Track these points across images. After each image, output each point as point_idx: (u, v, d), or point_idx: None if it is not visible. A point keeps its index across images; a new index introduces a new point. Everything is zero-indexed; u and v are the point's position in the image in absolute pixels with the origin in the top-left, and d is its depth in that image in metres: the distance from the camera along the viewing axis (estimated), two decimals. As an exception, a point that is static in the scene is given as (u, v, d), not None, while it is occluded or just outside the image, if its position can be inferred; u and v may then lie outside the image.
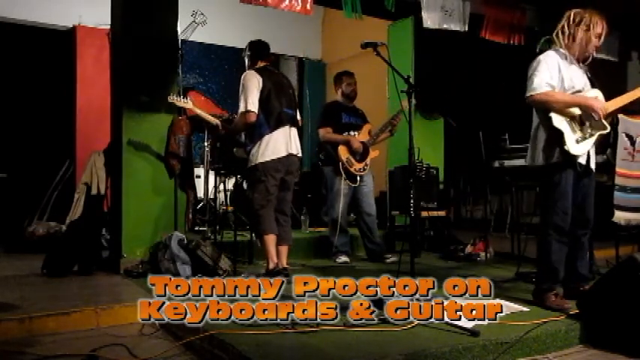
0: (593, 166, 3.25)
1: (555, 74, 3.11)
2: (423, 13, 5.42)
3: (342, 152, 4.79)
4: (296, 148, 3.92)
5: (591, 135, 3.13)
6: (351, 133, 4.91)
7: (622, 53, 7.11)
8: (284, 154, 3.82)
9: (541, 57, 3.15)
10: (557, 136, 3.06)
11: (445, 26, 5.55)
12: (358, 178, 4.85)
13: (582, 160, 3.15)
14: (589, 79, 3.25)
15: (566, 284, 3.32)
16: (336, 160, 4.80)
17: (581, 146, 3.09)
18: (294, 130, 3.94)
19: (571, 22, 3.16)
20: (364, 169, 4.89)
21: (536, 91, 3.07)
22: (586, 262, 3.38)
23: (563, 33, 3.19)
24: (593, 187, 3.29)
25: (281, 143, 3.81)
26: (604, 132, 3.15)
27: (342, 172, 4.78)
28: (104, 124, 4.93)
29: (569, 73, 3.15)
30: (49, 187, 6.11)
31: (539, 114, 3.21)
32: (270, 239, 3.79)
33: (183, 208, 4.67)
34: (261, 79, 3.81)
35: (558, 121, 3.06)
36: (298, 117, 4.07)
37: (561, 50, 3.19)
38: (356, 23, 5.31)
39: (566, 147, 3.04)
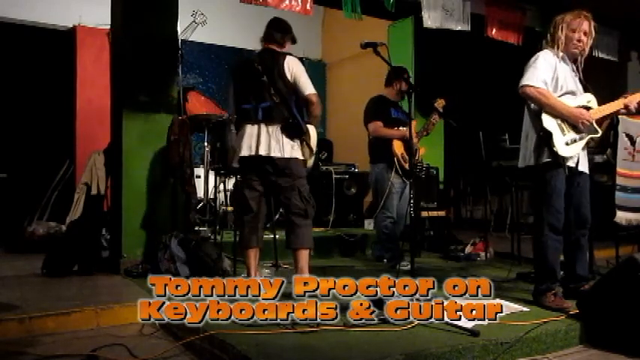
0: (583, 168, 3.26)
1: (551, 73, 3.16)
2: (423, 12, 5.41)
3: (397, 147, 4.53)
4: (265, 149, 3.43)
5: (582, 138, 3.16)
6: (400, 128, 4.67)
7: (622, 53, 7.11)
8: (246, 154, 3.49)
9: (540, 53, 3.22)
10: (546, 137, 3.10)
11: (446, 26, 5.54)
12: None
13: (571, 164, 3.17)
14: (582, 83, 3.30)
15: (566, 285, 3.33)
16: (388, 157, 4.54)
17: (570, 148, 3.12)
18: (263, 127, 3.46)
19: (556, 26, 3.25)
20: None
21: (531, 83, 3.10)
22: (585, 263, 3.39)
23: (551, 36, 3.29)
24: (587, 187, 3.30)
25: (244, 143, 3.49)
26: (595, 136, 3.19)
27: (398, 169, 4.51)
28: (104, 124, 4.92)
29: (563, 73, 3.21)
30: (49, 187, 6.11)
31: (529, 112, 3.24)
32: (245, 254, 3.61)
33: (182, 208, 4.66)
34: (231, 78, 3.75)
35: (549, 122, 3.10)
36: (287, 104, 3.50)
37: (556, 50, 3.24)
38: (356, 23, 5.30)
39: (555, 149, 3.07)
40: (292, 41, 3.72)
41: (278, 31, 3.65)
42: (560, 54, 3.23)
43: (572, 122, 3.11)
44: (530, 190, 3.40)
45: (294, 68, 3.50)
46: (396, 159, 4.53)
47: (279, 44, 3.62)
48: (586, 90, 3.29)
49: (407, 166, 4.52)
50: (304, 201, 3.51)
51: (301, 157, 3.54)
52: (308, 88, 3.48)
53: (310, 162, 3.62)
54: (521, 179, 4.88)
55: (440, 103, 4.59)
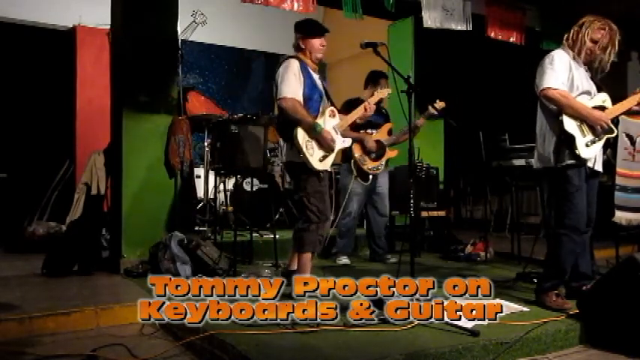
0: (598, 168, 3.25)
1: (567, 73, 3.14)
2: (423, 12, 5.41)
3: (356, 150, 4.66)
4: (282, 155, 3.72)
5: (600, 138, 3.15)
6: (369, 130, 4.79)
7: (622, 53, 7.09)
8: None
9: (554, 54, 3.18)
10: (568, 140, 3.08)
11: (446, 26, 5.54)
12: (371, 176, 4.73)
13: (589, 164, 3.16)
14: (595, 83, 3.27)
15: (568, 284, 3.32)
16: (349, 158, 4.70)
17: (591, 150, 3.11)
18: None
19: (582, 26, 3.21)
20: (378, 169, 4.75)
21: (552, 85, 3.07)
22: (588, 261, 3.39)
23: (568, 35, 3.25)
24: (596, 187, 3.30)
25: None
26: (611, 136, 3.18)
27: (354, 170, 4.67)
28: (104, 124, 4.92)
29: (578, 73, 3.18)
30: (49, 187, 6.11)
31: (545, 114, 3.21)
32: None
33: (182, 208, 4.66)
34: None
35: (570, 124, 3.07)
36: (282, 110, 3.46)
37: (568, 50, 3.22)
38: (356, 23, 5.31)
39: (577, 151, 3.06)
40: (306, 34, 3.51)
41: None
42: (572, 54, 3.20)
43: (591, 123, 3.09)
44: (549, 190, 3.34)
45: (278, 71, 3.44)
46: (352, 161, 4.68)
47: (295, 48, 3.56)
48: (599, 90, 3.27)
49: (365, 168, 4.68)
50: (299, 204, 3.52)
51: (296, 161, 3.41)
52: (280, 92, 3.36)
53: (312, 164, 3.37)
54: (523, 179, 4.88)
55: (439, 105, 4.57)
